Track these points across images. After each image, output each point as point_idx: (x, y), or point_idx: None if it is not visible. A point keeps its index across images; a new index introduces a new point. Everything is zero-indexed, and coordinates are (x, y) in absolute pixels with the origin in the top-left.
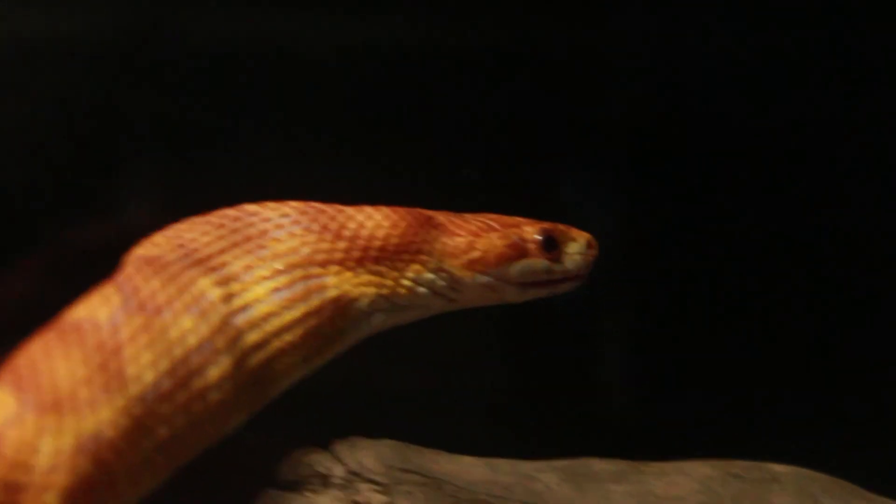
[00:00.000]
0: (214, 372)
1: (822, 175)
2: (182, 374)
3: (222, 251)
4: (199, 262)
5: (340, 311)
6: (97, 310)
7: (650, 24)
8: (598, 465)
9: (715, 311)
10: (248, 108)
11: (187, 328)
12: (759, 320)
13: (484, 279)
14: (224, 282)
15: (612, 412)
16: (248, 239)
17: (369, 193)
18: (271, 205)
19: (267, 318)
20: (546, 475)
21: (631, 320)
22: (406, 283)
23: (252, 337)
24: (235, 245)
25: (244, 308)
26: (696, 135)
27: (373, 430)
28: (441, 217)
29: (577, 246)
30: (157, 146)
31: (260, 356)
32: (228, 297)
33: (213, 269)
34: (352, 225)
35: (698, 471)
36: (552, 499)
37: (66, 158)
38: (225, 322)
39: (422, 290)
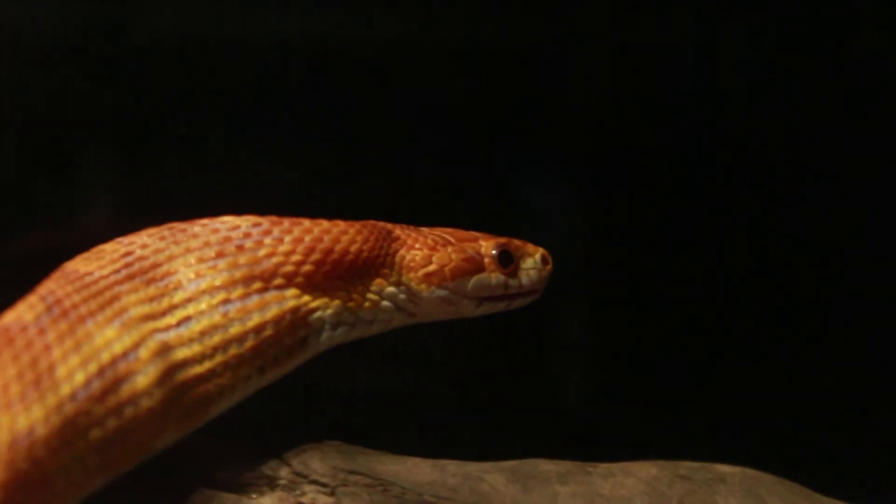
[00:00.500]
0: (142, 380)
1: (778, 177)
2: (110, 377)
3: (167, 262)
4: (133, 276)
5: (301, 323)
6: (23, 314)
7: (611, 21)
8: (545, 465)
9: (663, 314)
10: (203, 112)
11: (111, 337)
12: (708, 322)
13: (441, 293)
14: (157, 296)
15: (560, 414)
16: (193, 250)
17: (321, 192)
18: (229, 218)
19: (209, 331)
20: (492, 476)
21: (580, 322)
22: (371, 296)
23: (185, 352)
24: (182, 257)
25: (180, 322)
26: (657, 134)
27: (319, 431)
28: (399, 230)
29: (533, 261)
30: (112, 151)
31: (197, 369)
32: (156, 314)
33: (150, 282)
34: (326, 239)
35: (645, 472)
36: (498, 500)
37: (13, 163)
38: (147, 336)
39: (385, 303)
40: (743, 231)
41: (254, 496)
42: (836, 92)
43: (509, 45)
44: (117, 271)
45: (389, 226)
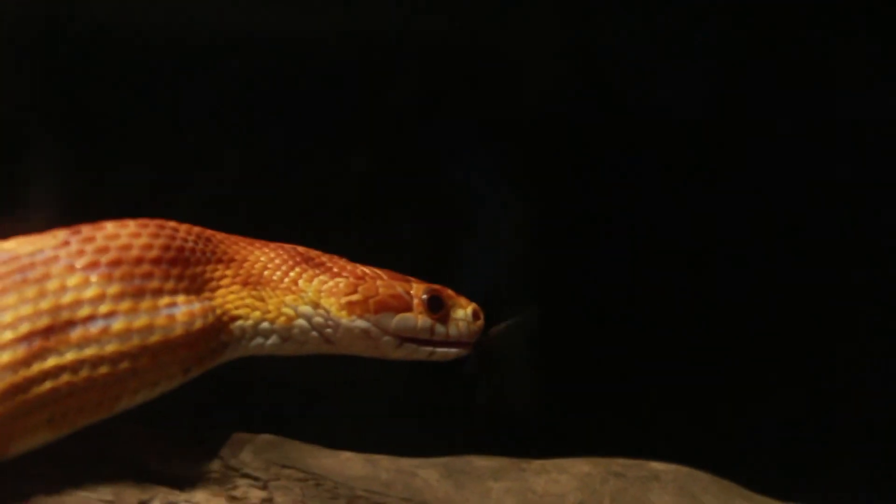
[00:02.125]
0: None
1: (726, 173)
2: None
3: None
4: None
5: (224, 328)
6: None
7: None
8: (479, 462)
9: (598, 310)
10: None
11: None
12: (646, 318)
13: (361, 324)
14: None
15: (493, 410)
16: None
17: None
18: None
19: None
20: (426, 471)
21: (514, 319)
22: (287, 311)
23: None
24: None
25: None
26: (602, 129)
27: (251, 424)
28: (325, 257)
29: (464, 313)
30: (55, 144)
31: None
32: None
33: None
34: (243, 252)
35: (578, 468)
36: (431, 495)
37: None
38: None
39: (300, 321)
40: (686, 224)
41: (184, 489)
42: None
43: (459, 38)
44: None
45: (312, 252)
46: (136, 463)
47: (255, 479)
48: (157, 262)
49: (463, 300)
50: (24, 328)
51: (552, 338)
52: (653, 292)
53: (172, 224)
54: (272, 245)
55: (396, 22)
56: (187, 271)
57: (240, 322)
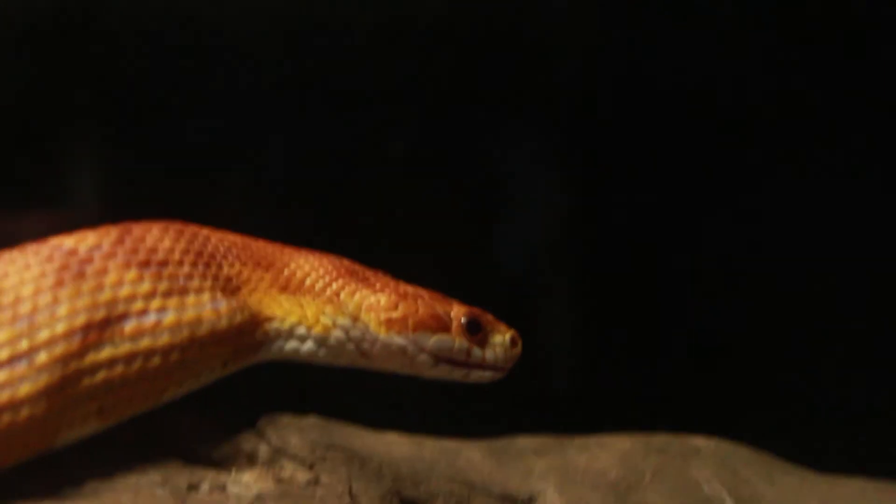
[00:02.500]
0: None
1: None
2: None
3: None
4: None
5: (259, 326)
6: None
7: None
8: (521, 441)
9: (640, 289)
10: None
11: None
12: (686, 296)
13: (399, 340)
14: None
15: (536, 389)
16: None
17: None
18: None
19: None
20: (469, 451)
21: (557, 298)
22: (325, 320)
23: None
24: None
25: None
26: (640, 109)
27: (298, 406)
28: (370, 273)
29: (502, 339)
30: (102, 136)
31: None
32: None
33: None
34: (291, 265)
35: (619, 445)
36: (475, 474)
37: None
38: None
39: (337, 332)
40: (726, 209)
41: (233, 471)
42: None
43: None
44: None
45: (359, 267)
46: (184, 447)
47: (302, 460)
48: (196, 262)
49: (502, 326)
50: (81, 320)
51: (591, 316)
52: (693, 268)
53: (206, 230)
54: (318, 254)
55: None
56: (222, 272)
57: (275, 323)
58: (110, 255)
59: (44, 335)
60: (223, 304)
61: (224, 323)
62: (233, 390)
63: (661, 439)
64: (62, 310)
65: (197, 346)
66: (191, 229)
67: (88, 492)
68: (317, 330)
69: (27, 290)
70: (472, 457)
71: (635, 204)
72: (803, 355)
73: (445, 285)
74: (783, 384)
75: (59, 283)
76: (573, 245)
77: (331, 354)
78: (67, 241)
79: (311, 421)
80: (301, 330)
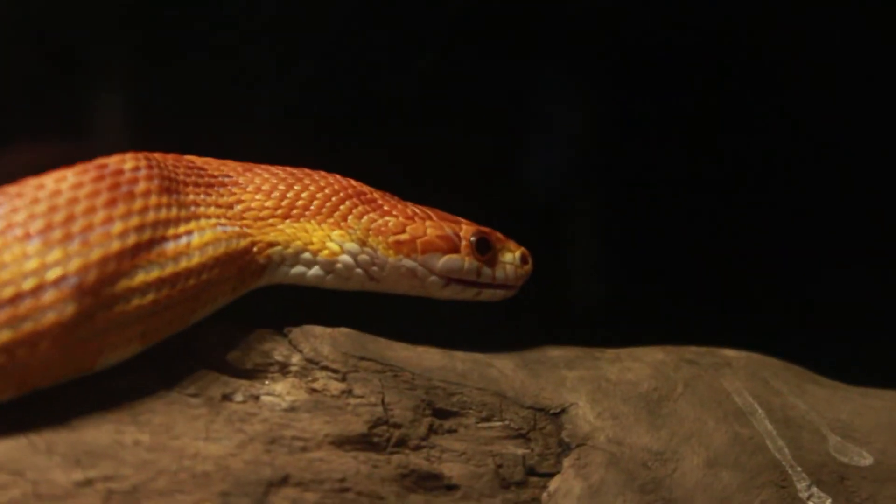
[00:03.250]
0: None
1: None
2: None
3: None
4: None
5: (261, 252)
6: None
7: None
8: (553, 352)
9: (670, 202)
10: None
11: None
12: (716, 210)
13: (408, 263)
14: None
15: (567, 302)
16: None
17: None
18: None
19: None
20: (501, 362)
21: (587, 213)
22: (331, 245)
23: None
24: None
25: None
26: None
27: (330, 318)
28: (377, 195)
29: (512, 257)
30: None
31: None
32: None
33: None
34: (297, 186)
35: (652, 356)
36: (507, 384)
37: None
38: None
39: (345, 257)
40: (751, 140)
41: (266, 382)
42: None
43: None
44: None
45: (367, 188)
46: (216, 358)
47: (334, 371)
48: (199, 190)
49: (512, 244)
50: (132, 240)
51: (623, 230)
52: (727, 181)
53: (204, 160)
54: (324, 176)
55: None
56: (222, 199)
57: (278, 248)
58: (149, 178)
59: (96, 254)
60: (228, 229)
61: (232, 246)
62: (264, 302)
63: (692, 351)
64: (115, 229)
65: (218, 267)
66: (187, 158)
67: (123, 404)
68: (323, 255)
69: (80, 208)
70: (503, 368)
71: (665, 126)
72: (836, 270)
73: (475, 207)
74: (816, 298)
75: (112, 202)
76: (603, 161)
77: (339, 279)
78: (112, 161)
79: (343, 332)
80: (306, 255)
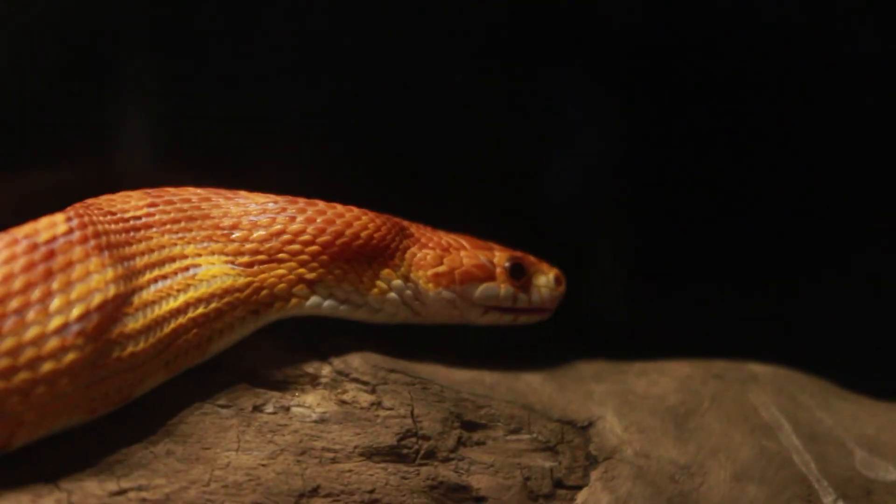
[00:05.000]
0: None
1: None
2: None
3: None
4: (150, 226)
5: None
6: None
7: None
8: (581, 366)
9: (698, 217)
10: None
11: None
12: (744, 225)
13: (447, 294)
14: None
15: (595, 317)
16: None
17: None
18: (245, 194)
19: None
20: (529, 375)
21: (614, 228)
22: (380, 283)
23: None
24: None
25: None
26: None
27: (360, 333)
28: (414, 228)
29: (546, 279)
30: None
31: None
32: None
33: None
34: (339, 222)
35: (679, 370)
36: (535, 397)
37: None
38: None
39: (391, 295)
40: (780, 152)
41: (297, 393)
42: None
43: None
44: (137, 218)
45: (405, 222)
46: (248, 369)
47: (364, 383)
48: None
49: (545, 266)
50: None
51: (650, 244)
52: (752, 202)
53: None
54: (367, 213)
55: None
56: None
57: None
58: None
59: None
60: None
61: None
62: (298, 319)
63: (719, 365)
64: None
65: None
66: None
67: (155, 415)
68: (374, 293)
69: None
70: (531, 381)
71: (694, 138)
72: (865, 285)
73: (500, 220)
74: (844, 313)
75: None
76: (628, 174)
77: (385, 316)
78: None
79: (372, 345)
80: (355, 296)
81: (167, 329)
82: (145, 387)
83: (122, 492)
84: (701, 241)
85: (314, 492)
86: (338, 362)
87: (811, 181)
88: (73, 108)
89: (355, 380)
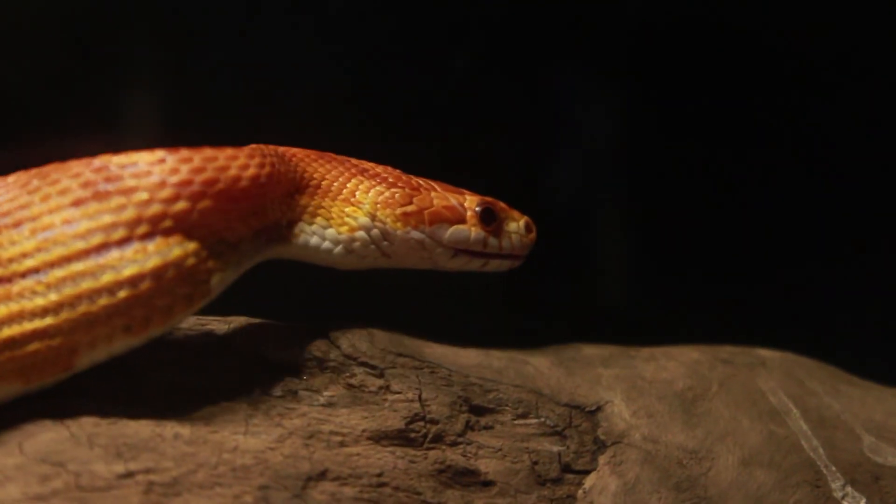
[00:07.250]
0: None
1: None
2: None
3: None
4: None
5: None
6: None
7: None
8: (589, 350)
9: (706, 201)
10: None
11: None
12: (751, 211)
13: (416, 235)
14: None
15: (603, 300)
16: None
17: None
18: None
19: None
20: (537, 360)
21: (625, 211)
22: (349, 220)
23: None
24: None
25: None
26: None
27: (368, 317)
28: (380, 169)
29: (517, 226)
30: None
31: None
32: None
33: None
34: (308, 169)
35: (687, 355)
36: (543, 382)
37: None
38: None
39: (360, 233)
40: (784, 140)
41: (304, 377)
42: None
43: None
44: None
45: (368, 164)
46: (257, 353)
47: (372, 367)
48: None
49: (516, 213)
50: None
51: (660, 230)
52: (760, 185)
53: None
54: (326, 157)
55: None
56: None
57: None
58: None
59: None
60: None
61: None
62: (303, 298)
63: (727, 351)
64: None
65: None
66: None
67: (162, 398)
68: (343, 231)
69: None
70: (539, 366)
71: (696, 128)
72: (872, 269)
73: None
74: (851, 298)
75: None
76: (634, 159)
77: (356, 259)
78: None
79: (380, 330)
80: (331, 234)
81: None
82: None
83: (129, 474)
84: (711, 227)
85: (322, 475)
86: (346, 346)
87: (823, 166)
88: (72, 99)
89: (363, 363)
